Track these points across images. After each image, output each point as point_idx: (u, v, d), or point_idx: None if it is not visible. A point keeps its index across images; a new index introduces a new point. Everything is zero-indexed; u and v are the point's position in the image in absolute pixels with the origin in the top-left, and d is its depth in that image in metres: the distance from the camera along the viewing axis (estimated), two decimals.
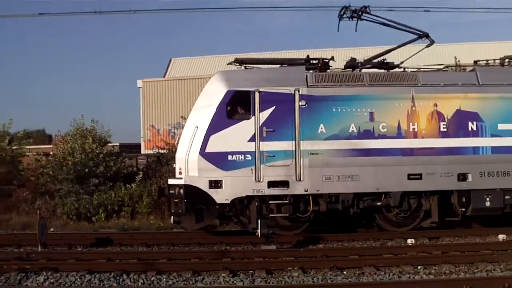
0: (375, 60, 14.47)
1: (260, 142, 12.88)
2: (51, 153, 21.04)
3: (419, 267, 10.40)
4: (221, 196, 12.82)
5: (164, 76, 37.48)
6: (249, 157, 12.85)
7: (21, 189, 19.69)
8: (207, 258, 11.38)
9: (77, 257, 11.57)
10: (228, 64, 14.44)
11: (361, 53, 17.24)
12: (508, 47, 27.71)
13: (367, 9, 14.02)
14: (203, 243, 13.32)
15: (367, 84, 13.38)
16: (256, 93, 13.04)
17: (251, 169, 12.82)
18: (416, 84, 13.47)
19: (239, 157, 12.85)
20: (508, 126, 13.42)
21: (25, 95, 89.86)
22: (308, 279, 9.74)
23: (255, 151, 12.85)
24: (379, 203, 13.35)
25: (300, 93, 13.07)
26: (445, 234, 13.78)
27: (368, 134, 13.19)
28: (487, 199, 13.25)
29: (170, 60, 40.88)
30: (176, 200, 12.92)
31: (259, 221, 12.55)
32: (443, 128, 13.38)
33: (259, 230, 12.43)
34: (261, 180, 12.85)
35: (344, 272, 10.24)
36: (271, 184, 12.88)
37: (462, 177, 13.28)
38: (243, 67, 13.86)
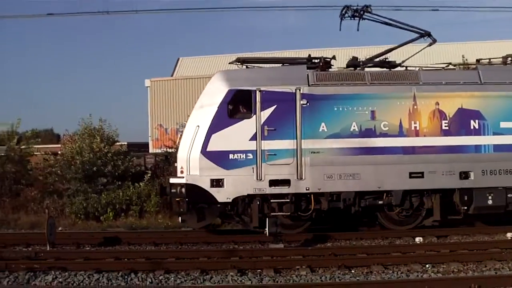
0: (377, 59, 14.47)
1: (262, 141, 12.92)
2: (59, 152, 21.14)
3: (427, 266, 10.41)
4: (222, 195, 12.88)
5: (172, 76, 37.47)
6: (250, 156, 12.89)
7: (29, 189, 19.78)
8: (215, 257, 11.38)
9: (85, 256, 11.60)
10: (229, 63, 14.48)
11: (363, 53, 17.21)
12: (511, 45, 27.49)
13: (369, 8, 14.03)
14: (211, 242, 13.32)
15: (369, 82, 13.39)
16: (257, 92, 13.07)
17: (253, 167, 12.87)
18: (417, 82, 13.46)
19: (240, 156, 12.90)
20: (510, 124, 13.40)
21: (33, 95, 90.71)
22: (316, 278, 9.73)
23: (256, 150, 12.88)
24: (380, 202, 13.36)
25: (301, 92, 13.10)
26: (453, 233, 13.74)
27: (369, 133, 13.19)
28: (489, 197, 13.23)
29: (178, 59, 40.95)
30: (178, 199, 13.01)
31: (267, 219, 12.51)
32: (445, 126, 13.36)
33: (267, 229, 12.41)
34: (263, 179, 12.89)
35: (352, 271, 10.23)
36: (273, 183, 12.92)
37: (464, 175, 13.26)
38: (244, 67, 13.91)
